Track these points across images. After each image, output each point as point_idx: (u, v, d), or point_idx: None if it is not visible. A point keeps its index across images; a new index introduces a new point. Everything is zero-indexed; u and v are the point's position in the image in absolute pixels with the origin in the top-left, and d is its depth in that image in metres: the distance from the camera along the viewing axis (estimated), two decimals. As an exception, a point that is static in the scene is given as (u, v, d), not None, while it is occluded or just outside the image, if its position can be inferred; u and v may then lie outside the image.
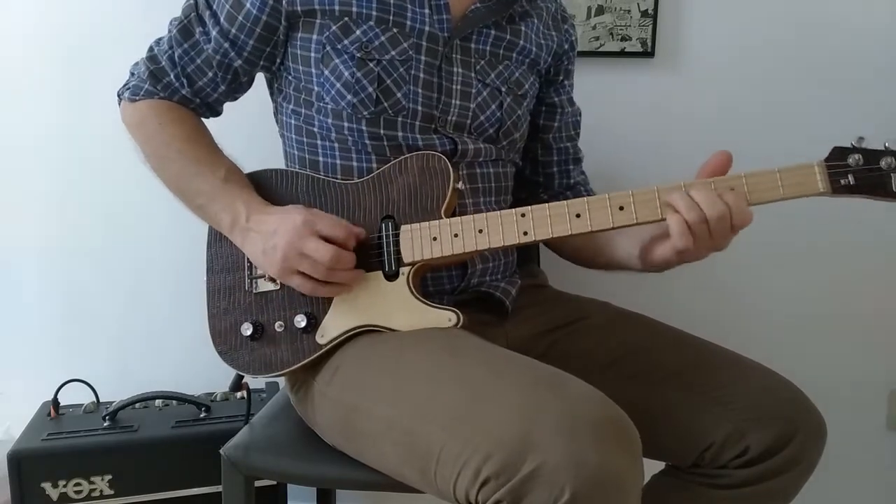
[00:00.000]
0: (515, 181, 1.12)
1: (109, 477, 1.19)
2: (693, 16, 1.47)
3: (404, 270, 0.90)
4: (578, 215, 0.86)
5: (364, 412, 0.84)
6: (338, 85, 0.94)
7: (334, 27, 0.94)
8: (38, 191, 1.42)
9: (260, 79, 1.06)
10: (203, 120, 1.04)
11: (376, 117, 0.95)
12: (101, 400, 1.34)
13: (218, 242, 0.99)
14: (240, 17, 0.95)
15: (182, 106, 1.01)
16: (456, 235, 0.89)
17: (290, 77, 0.99)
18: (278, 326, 0.93)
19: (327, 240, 0.86)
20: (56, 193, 1.43)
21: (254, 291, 0.96)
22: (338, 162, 0.98)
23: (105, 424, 1.24)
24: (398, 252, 0.91)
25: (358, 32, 0.94)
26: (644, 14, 1.44)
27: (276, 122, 1.07)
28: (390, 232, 0.91)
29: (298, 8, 0.93)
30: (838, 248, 1.56)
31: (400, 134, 0.96)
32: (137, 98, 1.00)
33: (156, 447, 1.21)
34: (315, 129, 0.98)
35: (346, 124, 0.95)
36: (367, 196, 0.94)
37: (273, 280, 0.94)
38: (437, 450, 0.73)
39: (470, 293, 1.00)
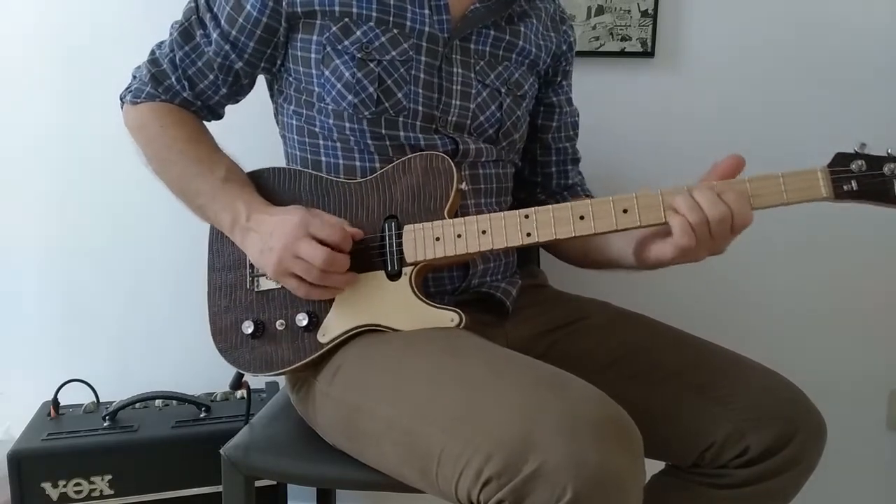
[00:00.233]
0: (514, 181, 1.12)
1: (109, 477, 1.20)
2: (693, 16, 1.47)
3: (407, 270, 0.90)
4: (582, 217, 0.86)
5: (366, 412, 0.84)
6: (338, 85, 0.94)
7: (334, 28, 0.94)
8: (38, 191, 1.42)
9: (260, 80, 1.06)
10: (204, 123, 1.04)
11: (377, 117, 0.95)
12: (101, 400, 1.34)
13: (220, 240, 0.99)
14: (240, 20, 0.95)
15: (183, 109, 1.01)
16: (459, 236, 0.89)
17: (290, 78, 0.99)
18: (279, 325, 0.93)
19: (323, 242, 0.86)
20: (56, 193, 1.43)
21: (255, 290, 0.96)
22: (340, 162, 0.98)
23: (105, 424, 1.24)
24: (401, 252, 0.91)
25: (358, 33, 0.94)
26: (644, 14, 1.44)
27: (277, 123, 1.07)
28: (393, 232, 0.91)
29: (298, 9, 0.93)
30: (838, 243, 1.56)
31: (402, 134, 0.96)
32: (139, 101, 1.00)
33: (156, 447, 1.21)
34: (317, 130, 0.98)
35: (347, 125, 0.95)
36: (370, 195, 0.94)
37: (274, 279, 0.95)
38: (438, 450, 0.73)
39: (471, 293, 1.00)
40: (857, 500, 1.67)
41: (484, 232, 0.88)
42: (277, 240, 0.86)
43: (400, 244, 0.91)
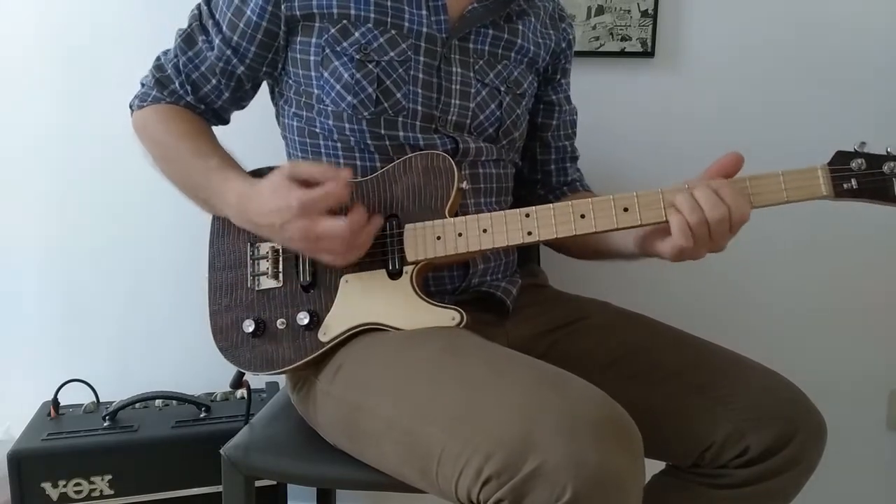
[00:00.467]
0: (514, 179, 1.12)
1: (109, 477, 1.20)
2: (693, 16, 1.47)
3: (408, 269, 0.90)
4: (583, 216, 0.86)
5: (367, 411, 0.84)
6: (337, 87, 0.94)
7: (333, 30, 0.94)
8: (38, 191, 1.42)
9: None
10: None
11: (377, 118, 0.95)
12: (101, 400, 1.34)
13: (220, 239, 0.99)
14: (241, 25, 0.95)
15: (188, 110, 1.02)
16: (460, 235, 0.89)
17: (290, 81, 0.99)
18: (280, 323, 0.93)
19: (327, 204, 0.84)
20: (56, 193, 1.43)
21: (256, 289, 0.96)
22: (341, 162, 0.98)
23: (105, 424, 1.24)
24: (402, 251, 0.91)
25: (356, 35, 0.94)
26: (644, 14, 1.44)
27: (279, 125, 1.07)
28: (394, 231, 0.91)
29: (297, 13, 0.94)
30: (839, 243, 1.56)
31: (401, 134, 0.96)
32: (145, 104, 1.02)
33: (156, 447, 1.21)
34: (317, 131, 0.98)
35: (347, 125, 0.95)
36: (370, 195, 0.94)
37: (276, 278, 0.95)
38: (439, 450, 0.73)
39: (471, 293, 1.00)
40: (857, 500, 1.67)
41: (485, 231, 0.88)
42: (294, 231, 0.84)
43: (401, 243, 0.91)
